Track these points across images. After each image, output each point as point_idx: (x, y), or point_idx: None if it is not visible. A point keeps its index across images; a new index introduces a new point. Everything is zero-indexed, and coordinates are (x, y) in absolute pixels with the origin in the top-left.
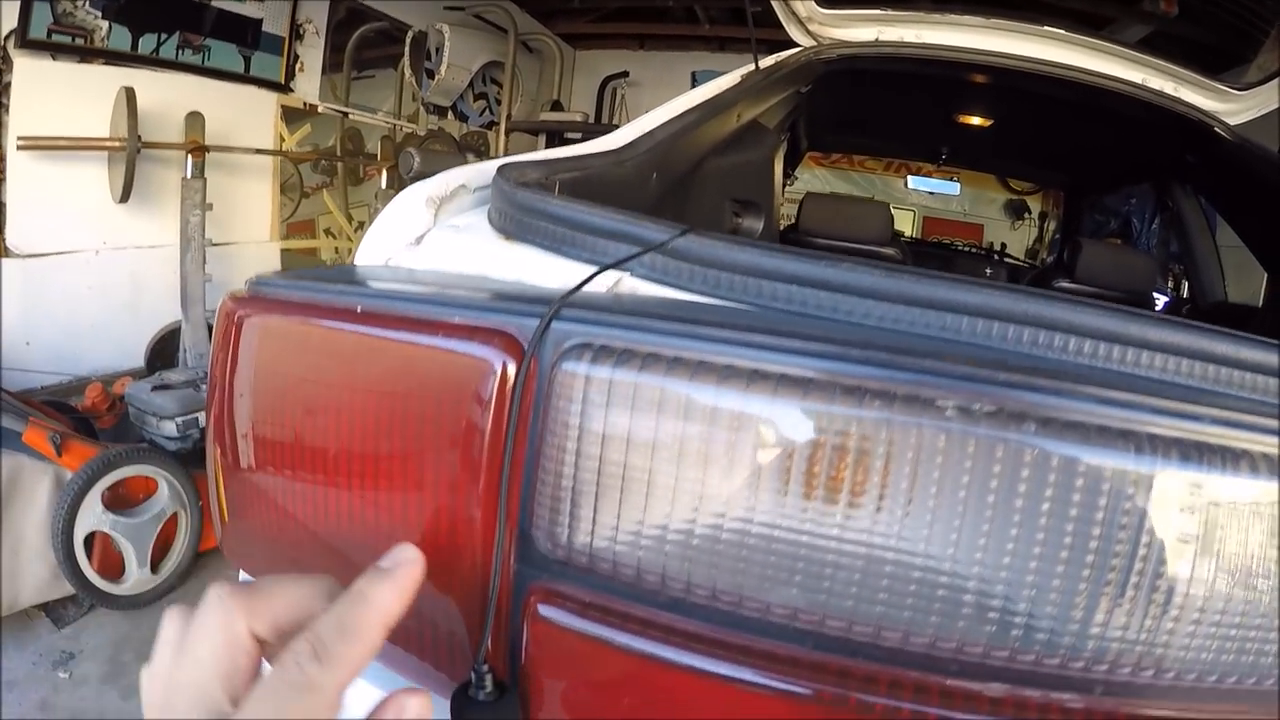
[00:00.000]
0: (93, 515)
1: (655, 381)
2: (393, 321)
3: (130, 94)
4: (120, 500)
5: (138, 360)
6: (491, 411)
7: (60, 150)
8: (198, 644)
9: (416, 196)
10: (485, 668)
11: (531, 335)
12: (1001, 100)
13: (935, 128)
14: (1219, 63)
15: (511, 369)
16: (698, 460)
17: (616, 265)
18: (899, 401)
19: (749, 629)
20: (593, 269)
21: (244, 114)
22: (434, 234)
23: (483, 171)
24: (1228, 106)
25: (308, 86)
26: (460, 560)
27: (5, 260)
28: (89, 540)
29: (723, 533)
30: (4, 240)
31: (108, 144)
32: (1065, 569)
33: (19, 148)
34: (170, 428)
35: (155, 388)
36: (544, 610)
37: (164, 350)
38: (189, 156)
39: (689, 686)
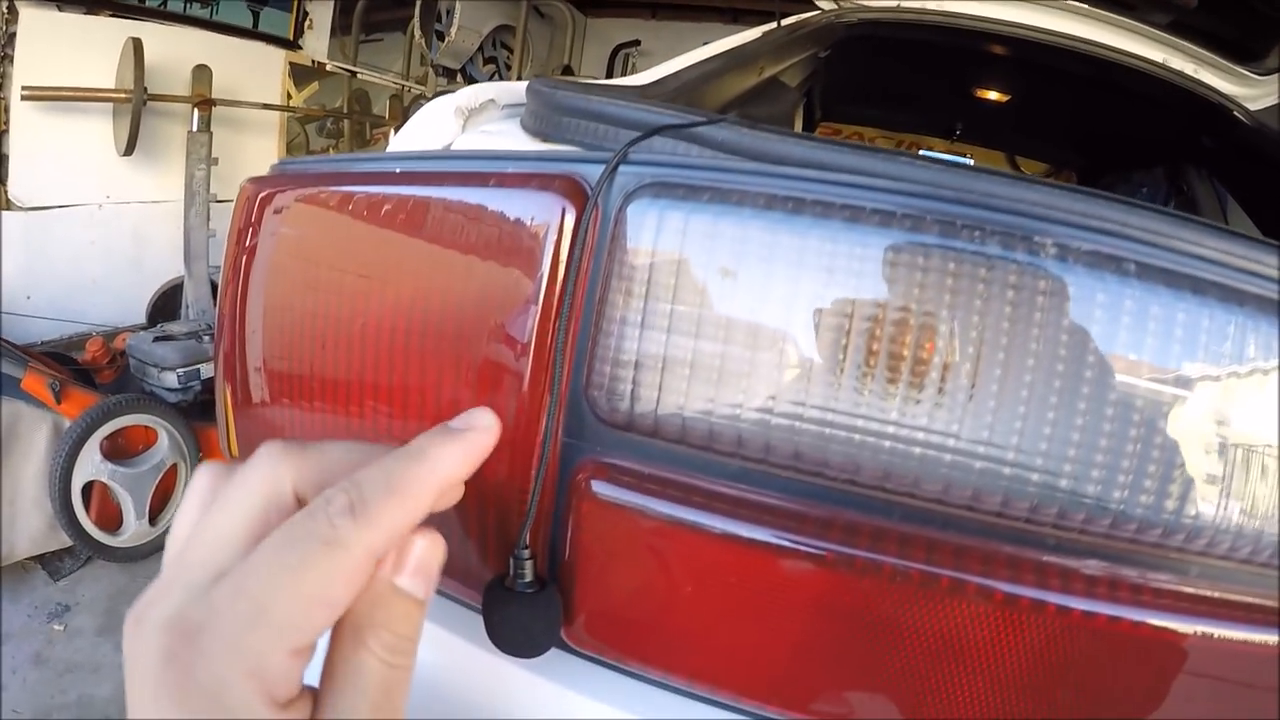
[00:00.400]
0: (91, 464)
1: (739, 222)
2: (436, 178)
3: (137, 45)
4: (119, 450)
5: (140, 316)
6: (548, 262)
7: (65, 101)
8: (233, 496)
9: (445, 106)
10: (526, 553)
11: (596, 178)
12: (1020, 74)
13: (951, 101)
14: (1237, 56)
15: (572, 215)
16: (783, 310)
17: (675, 128)
18: (997, 237)
19: (829, 500)
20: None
21: (251, 70)
22: (463, 138)
23: (511, 90)
24: (1248, 91)
25: (316, 45)
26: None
27: (7, 213)
28: (87, 490)
29: (808, 393)
30: (6, 192)
31: (113, 95)
32: None
33: (23, 98)
34: (171, 379)
35: (157, 339)
36: (596, 486)
37: (166, 306)
38: (195, 110)
39: (759, 565)
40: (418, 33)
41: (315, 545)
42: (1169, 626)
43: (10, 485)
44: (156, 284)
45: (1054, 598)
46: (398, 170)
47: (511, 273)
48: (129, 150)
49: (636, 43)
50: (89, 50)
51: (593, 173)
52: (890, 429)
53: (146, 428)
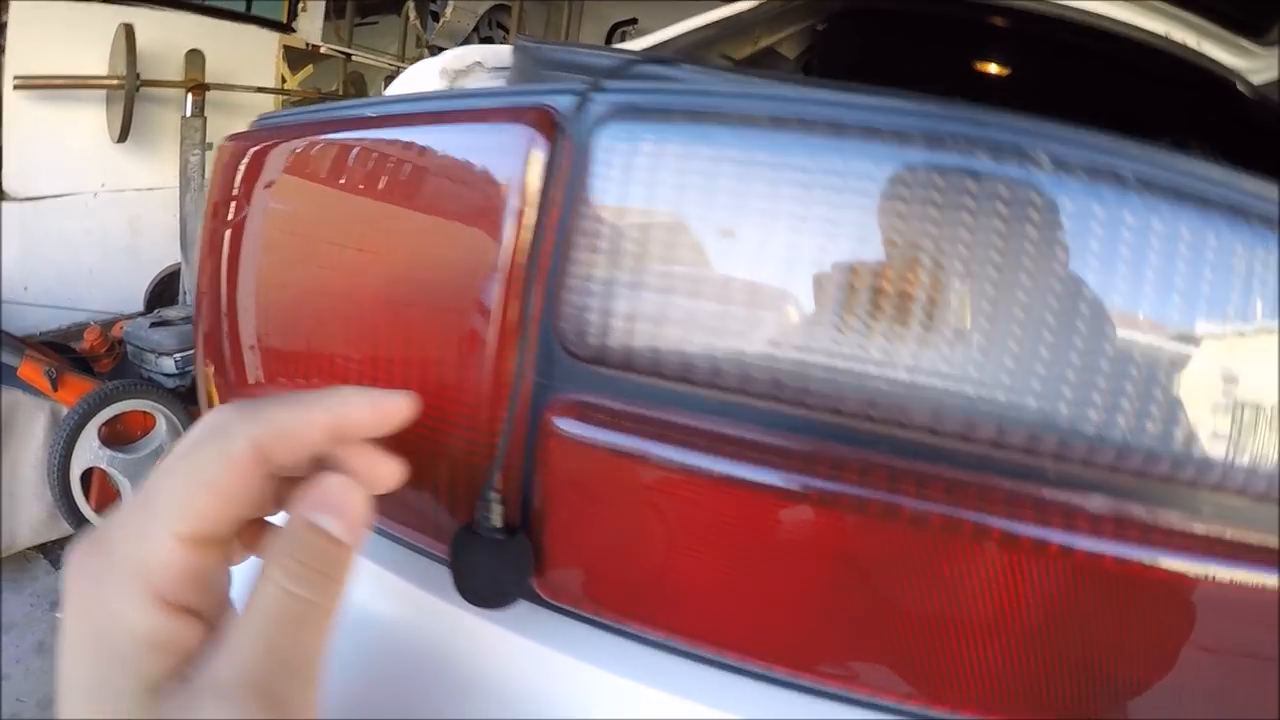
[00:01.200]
0: (89, 451)
1: (713, 142)
2: (408, 119)
3: (129, 30)
4: (118, 436)
5: (138, 304)
6: (517, 194)
7: (58, 89)
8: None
9: (430, 67)
10: (495, 495)
11: (568, 108)
12: (1022, 48)
13: (950, 79)
14: (1238, 28)
15: (542, 145)
16: (759, 233)
17: (656, 62)
18: (986, 149)
19: (811, 433)
20: None
21: (245, 54)
22: None
23: (497, 52)
24: (1250, 64)
25: (310, 28)
26: (469, 377)
27: (2, 204)
28: (86, 477)
29: (786, 320)
30: (1, 183)
31: (106, 82)
32: None
33: (15, 87)
34: (169, 364)
35: (153, 324)
36: (566, 425)
37: (163, 294)
38: (189, 95)
39: (738, 504)
40: (413, 14)
41: (203, 434)
42: (1182, 569)
43: (10, 475)
44: (153, 271)
45: (1057, 536)
46: (371, 114)
47: (482, 209)
48: (123, 137)
49: (634, 21)
50: (81, 38)
51: (565, 103)
52: (874, 354)
53: (144, 413)
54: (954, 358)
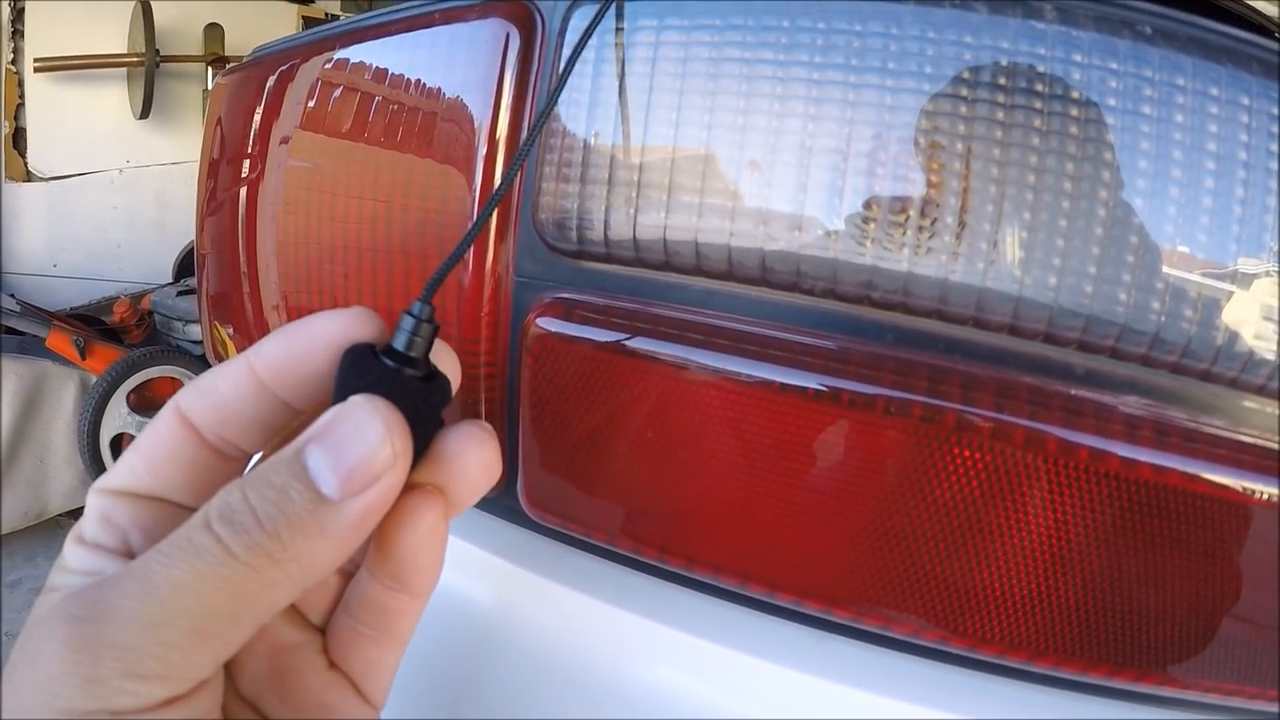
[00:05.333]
0: (119, 417)
1: (685, 20)
2: (387, 27)
3: (146, 7)
4: (146, 403)
5: (166, 277)
6: (492, 91)
7: (78, 69)
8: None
9: None
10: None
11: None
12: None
13: None
14: None
15: (518, 39)
16: (734, 115)
17: None
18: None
19: (809, 322)
20: None
21: (264, 26)
22: None
23: None
24: None
25: None
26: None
27: (29, 184)
28: (115, 443)
29: (770, 200)
30: (27, 164)
31: (126, 59)
32: None
33: (36, 69)
34: (196, 331)
35: (180, 293)
36: (549, 324)
37: (191, 265)
38: (209, 69)
39: (735, 403)
40: None
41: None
42: (1227, 482)
43: (40, 444)
44: (181, 243)
45: (1087, 439)
46: (351, 27)
47: (462, 109)
48: (145, 113)
49: None
50: (99, 18)
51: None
52: (871, 228)
53: (172, 379)
54: (963, 233)
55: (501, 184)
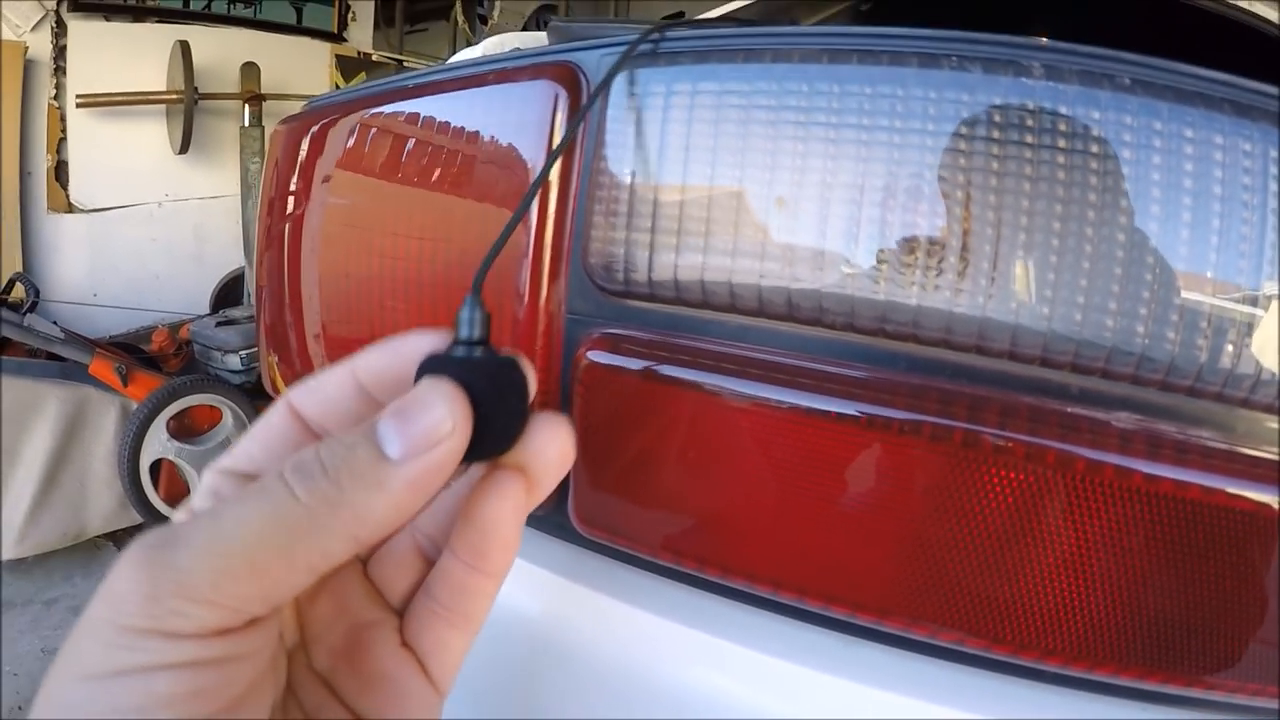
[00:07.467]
0: (158, 443)
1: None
2: (446, 85)
3: (185, 46)
4: (185, 430)
5: (203, 308)
6: (544, 146)
7: (118, 106)
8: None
9: (470, 54)
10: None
11: (592, 63)
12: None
13: None
14: None
15: (565, 99)
16: (765, 167)
17: (685, 23)
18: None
19: (830, 352)
20: None
21: (298, 64)
22: None
23: (537, 38)
24: None
25: (361, 36)
26: (507, 315)
27: (70, 216)
28: (155, 468)
29: (795, 240)
30: (68, 196)
31: (165, 97)
32: None
33: (78, 105)
34: (234, 361)
35: (219, 324)
36: (598, 357)
37: (229, 296)
38: (245, 106)
39: (763, 425)
40: (460, 18)
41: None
42: (1217, 487)
43: (80, 467)
44: (218, 275)
45: (1084, 452)
46: (410, 85)
47: (513, 165)
48: (184, 149)
49: (681, 14)
50: (139, 56)
51: (588, 58)
52: (884, 269)
53: (211, 407)
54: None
55: (535, 182)
